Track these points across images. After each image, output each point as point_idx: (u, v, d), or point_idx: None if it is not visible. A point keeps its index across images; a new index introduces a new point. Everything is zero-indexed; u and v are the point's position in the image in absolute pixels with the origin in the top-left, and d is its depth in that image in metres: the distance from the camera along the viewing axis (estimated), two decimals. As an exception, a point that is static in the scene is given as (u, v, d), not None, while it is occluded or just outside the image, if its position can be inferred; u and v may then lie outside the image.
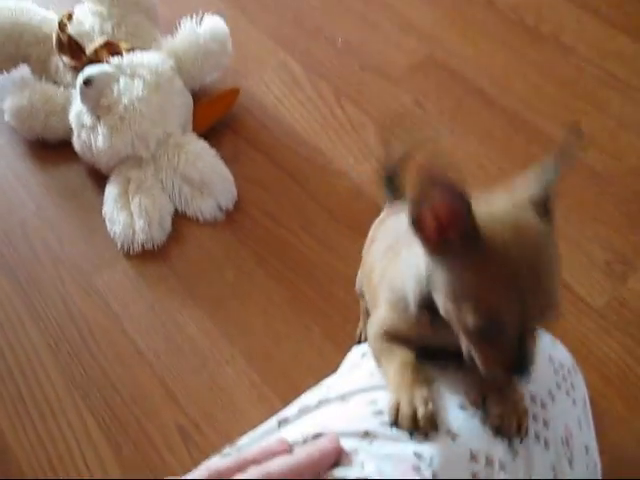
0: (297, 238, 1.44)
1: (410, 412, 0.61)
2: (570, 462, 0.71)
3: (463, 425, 0.63)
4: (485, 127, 1.57)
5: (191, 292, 1.39)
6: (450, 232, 0.56)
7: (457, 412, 0.64)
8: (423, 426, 0.60)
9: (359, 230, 1.41)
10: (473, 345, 0.61)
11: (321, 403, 0.69)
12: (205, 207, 1.48)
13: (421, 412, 0.61)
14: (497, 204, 0.59)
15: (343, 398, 0.68)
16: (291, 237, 1.44)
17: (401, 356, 0.69)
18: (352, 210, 1.46)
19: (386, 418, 0.63)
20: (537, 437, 0.67)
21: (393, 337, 0.71)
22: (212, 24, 1.63)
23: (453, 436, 0.61)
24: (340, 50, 1.77)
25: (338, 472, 0.58)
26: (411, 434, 0.60)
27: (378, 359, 0.72)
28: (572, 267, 1.33)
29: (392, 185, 1.09)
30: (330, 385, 0.74)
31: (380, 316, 0.74)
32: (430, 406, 0.62)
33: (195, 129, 1.60)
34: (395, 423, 0.61)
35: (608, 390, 1.21)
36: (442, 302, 0.61)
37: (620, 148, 1.53)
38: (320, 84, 1.70)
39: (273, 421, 0.69)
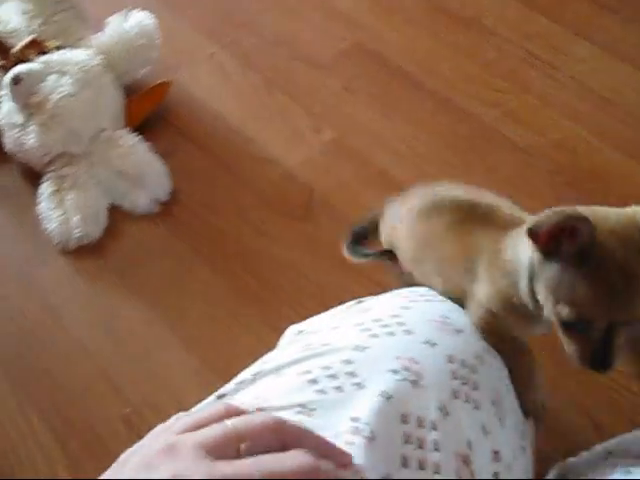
0: (233, 226, 1.46)
1: None
2: (501, 420, 0.74)
3: (395, 387, 0.65)
4: (413, 109, 1.60)
5: (130, 284, 1.40)
6: (565, 243, 0.64)
7: (389, 375, 0.66)
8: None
9: (292, 215, 1.44)
10: (563, 334, 0.69)
11: (256, 376, 0.70)
12: (140, 201, 1.49)
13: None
14: (611, 223, 0.65)
15: (277, 370, 0.69)
16: (227, 226, 1.46)
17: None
18: (285, 196, 1.49)
19: (320, 386, 0.64)
20: (467, 399, 0.69)
21: (496, 321, 0.78)
22: (139, 19, 1.65)
23: (388, 397, 0.63)
24: (269, 40, 1.79)
25: None
26: None
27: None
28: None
29: (357, 246, 1.08)
30: (265, 360, 0.75)
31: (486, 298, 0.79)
32: None
33: (128, 124, 1.60)
34: None
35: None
36: (542, 293, 0.68)
37: (542, 124, 1.58)
38: (250, 74, 1.72)
39: (211, 397, 0.70)
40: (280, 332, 0.90)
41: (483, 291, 0.79)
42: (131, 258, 1.44)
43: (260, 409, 0.61)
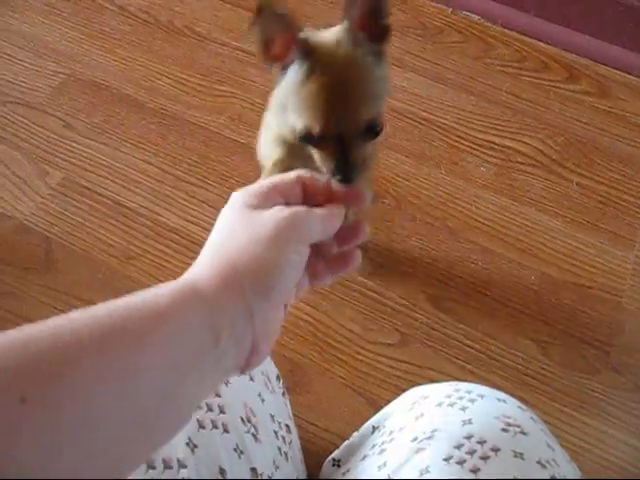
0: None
1: None
2: (255, 436, 0.72)
3: None
4: (139, 132, 1.55)
5: None
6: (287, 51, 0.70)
7: None
8: None
9: (32, 268, 1.36)
10: (312, 150, 0.73)
11: None
12: None
13: None
14: (325, 36, 0.71)
15: None
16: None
17: None
18: (21, 250, 1.39)
19: None
20: (214, 425, 0.67)
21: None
22: None
23: None
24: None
25: None
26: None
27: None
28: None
29: None
30: None
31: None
32: None
33: None
34: None
35: (304, 348, 1.27)
36: (284, 104, 0.74)
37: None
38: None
39: None
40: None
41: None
42: None
43: None
